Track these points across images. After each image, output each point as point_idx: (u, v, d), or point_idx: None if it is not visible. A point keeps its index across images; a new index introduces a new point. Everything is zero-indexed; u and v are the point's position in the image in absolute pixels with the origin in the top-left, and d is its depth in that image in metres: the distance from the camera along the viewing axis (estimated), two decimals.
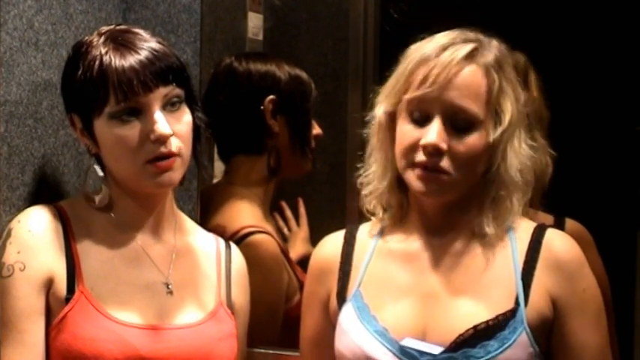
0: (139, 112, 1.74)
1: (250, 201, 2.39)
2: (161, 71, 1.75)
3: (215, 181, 2.50)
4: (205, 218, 2.40)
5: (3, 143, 2.20)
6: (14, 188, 2.23)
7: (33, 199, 2.24)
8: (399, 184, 1.77)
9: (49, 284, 1.75)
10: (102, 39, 1.78)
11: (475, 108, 1.67)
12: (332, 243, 1.87)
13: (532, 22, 2.60)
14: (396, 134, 1.73)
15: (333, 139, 2.40)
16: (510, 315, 1.69)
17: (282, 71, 2.40)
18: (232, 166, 2.45)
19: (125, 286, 1.78)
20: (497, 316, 1.69)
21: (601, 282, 1.81)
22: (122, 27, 1.82)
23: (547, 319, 1.72)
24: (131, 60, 1.74)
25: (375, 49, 2.61)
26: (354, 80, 2.63)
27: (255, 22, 2.72)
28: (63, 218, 1.80)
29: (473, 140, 1.68)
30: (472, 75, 1.67)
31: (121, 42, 1.76)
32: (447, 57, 1.67)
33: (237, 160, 2.43)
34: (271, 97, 2.37)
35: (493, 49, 1.72)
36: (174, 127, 1.75)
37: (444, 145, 1.67)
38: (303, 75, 2.42)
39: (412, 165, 1.70)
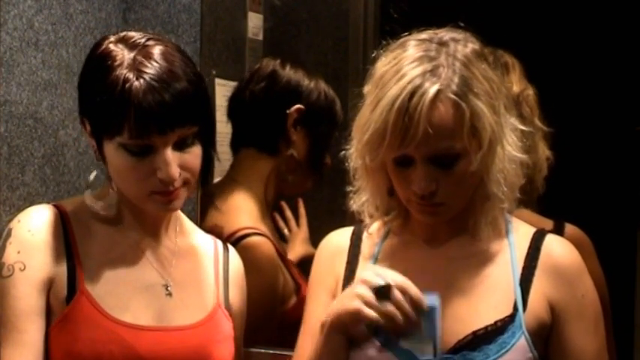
0: (150, 148, 1.71)
1: (249, 201, 2.38)
2: (181, 116, 1.70)
3: (216, 180, 2.50)
4: (205, 216, 2.40)
5: (3, 143, 2.20)
6: (14, 188, 2.23)
7: (33, 199, 2.25)
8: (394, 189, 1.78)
9: (49, 284, 1.75)
10: (128, 57, 1.71)
11: (454, 143, 1.66)
12: (339, 238, 1.86)
13: (532, 22, 2.60)
14: (388, 172, 1.73)
15: (333, 140, 2.40)
16: (509, 320, 1.69)
17: (318, 89, 2.42)
18: (240, 158, 2.44)
19: (125, 287, 1.78)
20: (495, 322, 1.69)
21: (600, 289, 1.80)
22: (150, 44, 1.74)
23: (545, 325, 1.71)
24: (151, 100, 1.67)
25: (375, 49, 2.61)
26: (354, 80, 2.63)
27: (255, 22, 2.72)
28: (63, 218, 1.79)
29: (460, 170, 1.68)
30: (444, 115, 1.64)
31: (146, 73, 1.69)
32: (415, 104, 1.63)
33: (247, 153, 2.43)
34: (300, 106, 2.38)
35: (456, 64, 1.67)
36: (183, 158, 1.73)
37: (433, 187, 1.68)
38: (337, 102, 2.44)
39: (409, 200, 1.72)
